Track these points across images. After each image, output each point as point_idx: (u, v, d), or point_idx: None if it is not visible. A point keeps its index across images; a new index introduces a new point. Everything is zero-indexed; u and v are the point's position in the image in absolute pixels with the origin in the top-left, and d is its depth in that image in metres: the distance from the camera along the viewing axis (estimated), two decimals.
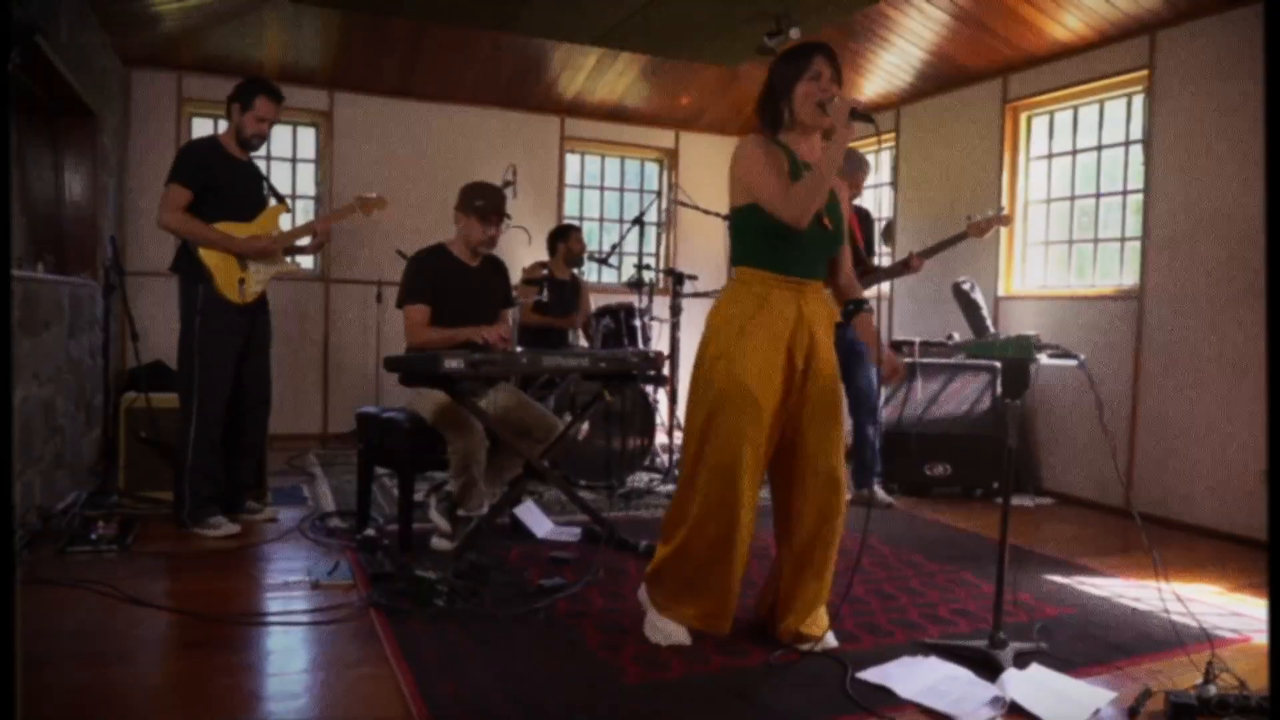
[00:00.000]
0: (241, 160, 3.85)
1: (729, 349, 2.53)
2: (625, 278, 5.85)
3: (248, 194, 3.85)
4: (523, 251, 6.50)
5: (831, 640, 2.63)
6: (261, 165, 6.11)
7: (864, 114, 2.44)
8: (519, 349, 4.25)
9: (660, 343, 5.66)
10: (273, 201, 3.96)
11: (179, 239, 3.74)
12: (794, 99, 2.55)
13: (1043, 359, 2.67)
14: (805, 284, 2.59)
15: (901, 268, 4.56)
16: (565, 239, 5.62)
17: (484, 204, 3.73)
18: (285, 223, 3.99)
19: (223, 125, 3.95)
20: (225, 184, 3.74)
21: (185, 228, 3.65)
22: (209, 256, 3.67)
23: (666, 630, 2.63)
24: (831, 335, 2.66)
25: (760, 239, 2.57)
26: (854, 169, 4.54)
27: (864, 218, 4.78)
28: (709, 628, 2.63)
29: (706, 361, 2.58)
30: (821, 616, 2.67)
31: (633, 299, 5.55)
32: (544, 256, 5.78)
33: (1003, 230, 5.41)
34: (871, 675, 2.42)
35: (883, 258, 6.20)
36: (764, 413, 2.52)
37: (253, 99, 3.75)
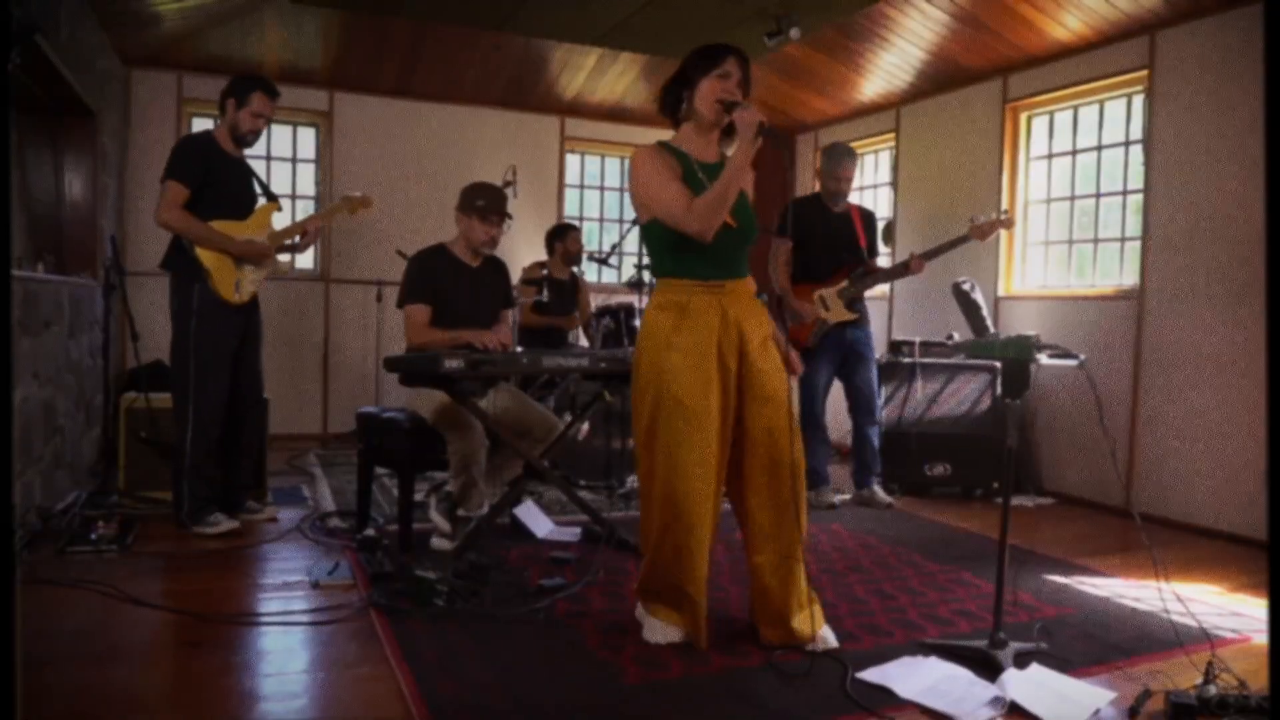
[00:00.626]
0: (235, 157, 3.82)
1: (658, 363, 2.54)
2: (625, 278, 5.84)
3: (242, 192, 3.83)
4: (523, 251, 6.51)
5: (832, 640, 2.62)
6: (261, 165, 6.17)
7: (773, 132, 2.47)
8: (519, 349, 4.24)
9: None
10: (265, 200, 3.93)
11: (172, 236, 3.71)
12: (697, 92, 2.58)
13: (1043, 359, 2.67)
14: (725, 284, 2.59)
15: (902, 269, 4.56)
16: (563, 238, 5.63)
17: (484, 204, 3.73)
18: (278, 221, 3.96)
19: None
20: (220, 181, 3.71)
21: (185, 226, 3.62)
22: (206, 256, 3.65)
23: (663, 630, 2.63)
24: (762, 328, 2.64)
25: (670, 250, 2.59)
26: (837, 165, 4.53)
27: (867, 218, 4.77)
28: (689, 638, 2.62)
29: (639, 378, 2.59)
30: (806, 619, 2.61)
31: (633, 299, 5.55)
32: (541, 254, 5.79)
33: (1003, 230, 5.41)
34: (871, 675, 2.42)
35: (882, 258, 6.20)
36: (705, 421, 2.50)
37: (249, 95, 3.73)
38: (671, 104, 2.67)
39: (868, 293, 4.70)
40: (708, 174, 2.60)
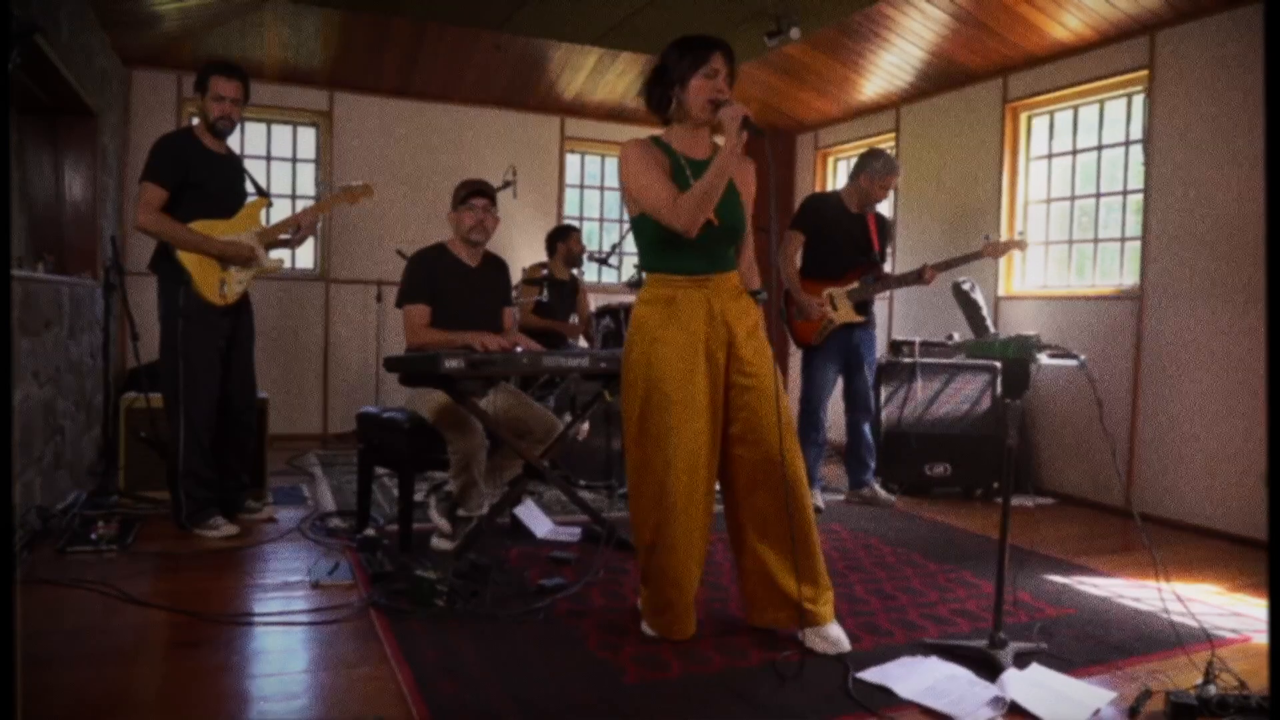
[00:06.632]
0: (219, 154, 3.75)
1: (646, 356, 2.56)
2: (625, 278, 5.85)
3: (227, 189, 3.76)
4: (523, 251, 6.52)
5: (845, 644, 2.60)
6: (261, 165, 6.17)
7: (754, 126, 2.47)
8: (519, 349, 4.24)
9: None
10: (253, 195, 3.87)
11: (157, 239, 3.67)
12: (688, 91, 2.57)
13: (1043, 359, 2.67)
14: (711, 279, 2.60)
15: (914, 278, 4.54)
16: (565, 239, 5.62)
17: (464, 191, 3.73)
18: (268, 217, 3.91)
19: None
20: (202, 179, 3.65)
21: (161, 229, 3.57)
22: (187, 258, 3.60)
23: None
24: (748, 318, 2.65)
25: (658, 245, 2.61)
26: (887, 172, 4.51)
27: (882, 223, 4.74)
28: (670, 634, 2.62)
29: (628, 372, 2.61)
30: (827, 602, 2.63)
31: (633, 299, 5.53)
32: (541, 255, 5.78)
33: (1003, 230, 5.41)
34: (871, 675, 2.42)
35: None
36: (694, 413, 2.53)
37: (206, 80, 3.67)
38: (659, 102, 2.65)
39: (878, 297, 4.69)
40: (695, 171, 2.60)
